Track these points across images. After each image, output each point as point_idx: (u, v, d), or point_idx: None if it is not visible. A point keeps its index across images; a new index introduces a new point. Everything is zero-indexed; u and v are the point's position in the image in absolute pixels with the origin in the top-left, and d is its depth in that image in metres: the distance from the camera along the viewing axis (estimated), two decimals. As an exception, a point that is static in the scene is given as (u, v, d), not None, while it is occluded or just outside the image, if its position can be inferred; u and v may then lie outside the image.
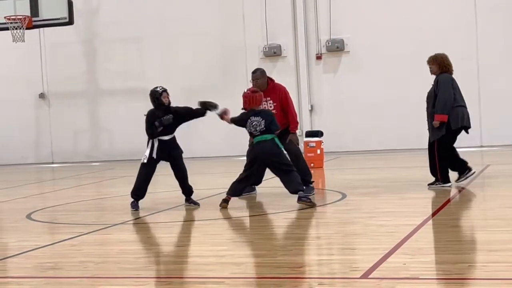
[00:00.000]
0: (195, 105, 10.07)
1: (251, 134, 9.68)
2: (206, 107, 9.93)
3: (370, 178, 12.51)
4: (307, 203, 9.36)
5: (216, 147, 18.22)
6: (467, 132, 10.52)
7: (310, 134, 15.46)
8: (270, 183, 11.06)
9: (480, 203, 9.72)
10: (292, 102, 10.66)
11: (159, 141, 9.85)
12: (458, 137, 10.49)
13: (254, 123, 9.53)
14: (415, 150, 16.19)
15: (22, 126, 20.21)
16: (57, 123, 20.03)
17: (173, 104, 10.00)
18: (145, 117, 9.91)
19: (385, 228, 7.82)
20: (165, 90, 9.92)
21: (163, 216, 9.57)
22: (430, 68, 10.45)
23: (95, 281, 6.20)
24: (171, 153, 9.93)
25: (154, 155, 9.82)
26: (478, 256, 6.37)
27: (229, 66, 18.65)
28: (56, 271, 6.58)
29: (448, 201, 9.42)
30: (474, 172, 10.69)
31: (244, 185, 9.79)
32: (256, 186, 10.89)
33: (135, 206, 9.96)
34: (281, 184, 9.67)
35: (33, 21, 15.19)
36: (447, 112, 10.13)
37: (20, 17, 14.98)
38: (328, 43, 17.91)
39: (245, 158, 10.54)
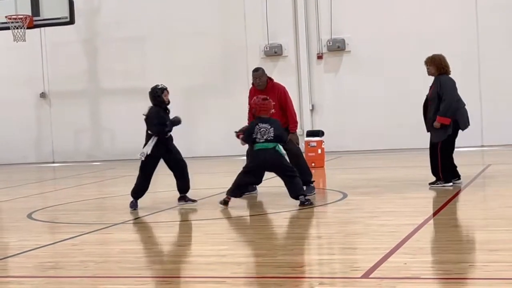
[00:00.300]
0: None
1: (253, 141, 9.59)
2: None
3: (371, 177, 12.50)
4: (309, 206, 9.38)
5: (216, 147, 18.20)
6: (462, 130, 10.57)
7: (311, 133, 15.46)
8: (271, 182, 11.05)
9: (480, 202, 9.72)
10: (291, 102, 10.65)
11: (159, 138, 9.84)
12: (459, 137, 10.52)
13: (262, 130, 9.48)
14: (416, 149, 16.17)
15: (23, 126, 20.21)
16: (58, 122, 20.03)
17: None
18: (145, 116, 9.89)
19: (386, 227, 7.82)
20: (165, 88, 9.93)
21: (163, 215, 9.57)
22: (427, 69, 10.48)
23: (95, 280, 6.20)
24: (168, 148, 9.92)
25: (149, 152, 9.80)
26: (478, 256, 6.37)
27: (230, 65, 18.64)
28: (57, 271, 6.59)
29: (449, 200, 9.41)
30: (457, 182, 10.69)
31: (245, 188, 9.80)
32: (256, 186, 10.89)
33: (133, 205, 9.95)
34: (282, 184, 9.67)
35: (34, 20, 15.18)
36: (450, 114, 10.16)
37: (21, 16, 14.97)
38: (329, 43, 17.90)
39: (245, 157, 10.56)
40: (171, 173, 10.20)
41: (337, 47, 17.88)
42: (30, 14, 15.13)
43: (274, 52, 18.22)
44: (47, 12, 15.40)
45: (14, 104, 20.11)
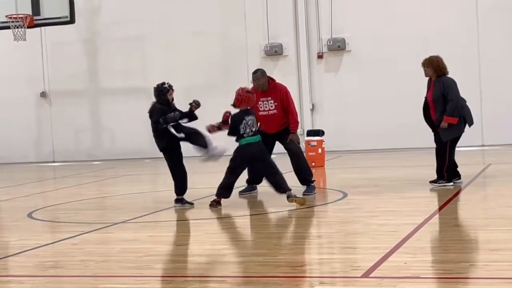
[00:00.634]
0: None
1: (240, 135, 9.56)
2: (191, 108, 9.97)
3: (371, 177, 12.50)
4: (297, 200, 9.37)
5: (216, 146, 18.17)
6: None
7: (312, 133, 15.45)
8: (271, 182, 11.04)
9: (481, 202, 9.71)
10: (293, 102, 10.66)
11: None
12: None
13: (250, 122, 9.53)
14: (416, 149, 16.19)
15: (23, 125, 20.21)
16: (59, 122, 20.03)
17: (174, 103, 10.01)
18: (149, 112, 9.90)
19: (386, 227, 7.82)
20: (171, 87, 9.95)
21: (164, 215, 9.57)
22: (425, 70, 10.52)
23: (96, 279, 6.20)
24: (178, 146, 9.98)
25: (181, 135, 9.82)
26: (479, 255, 6.37)
27: (230, 65, 18.64)
28: (57, 270, 6.59)
29: (450, 200, 9.41)
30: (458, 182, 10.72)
31: (232, 186, 9.77)
32: (256, 185, 10.89)
33: (183, 202, 9.93)
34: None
35: (34, 20, 15.17)
36: (457, 114, 10.25)
37: (22, 16, 14.96)
38: (330, 42, 17.90)
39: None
40: (168, 173, 10.19)
41: (338, 46, 17.87)
42: (30, 13, 15.12)
43: (274, 51, 18.22)
44: (48, 12, 15.40)
45: (15, 103, 20.11)
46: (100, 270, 6.54)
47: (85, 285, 6.10)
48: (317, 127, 17.19)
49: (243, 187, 10.89)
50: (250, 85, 10.89)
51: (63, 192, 12.91)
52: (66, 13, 15.33)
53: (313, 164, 14.11)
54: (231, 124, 9.62)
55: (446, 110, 10.26)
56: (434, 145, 10.62)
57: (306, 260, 6.67)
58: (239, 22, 18.48)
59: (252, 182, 10.85)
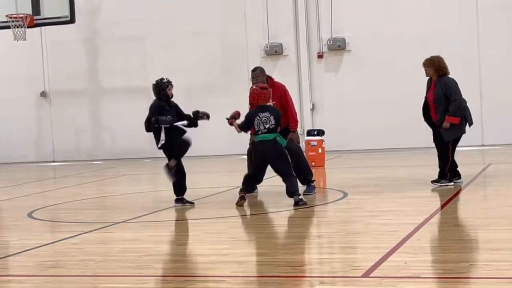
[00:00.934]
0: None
1: (256, 132, 9.60)
2: (198, 116, 9.95)
3: (372, 177, 12.50)
4: (304, 206, 9.36)
5: (216, 146, 18.20)
6: None
7: (312, 132, 15.46)
8: (271, 182, 11.05)
9: (481, 202, 9.71)
10: (291, 101, 10.64)
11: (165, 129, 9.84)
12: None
13: (263, 119, 9.46)
14: (416, 149, 16.18)
15: (23, 125, 20.21)
16: (59, 121, 20.03)
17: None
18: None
19: (387, 227, 7.82)
20: (170, 83, 9.95)
21: (164, 214, 9.57)
22: (426, 70, 10.53)
23: (96, 279, 6.20)
24: (174, 136, 9.94)
25: (163, 140, 9.79)
26: (479, 255, 6.37)
27: (230, 64, 18.64)
28: (57, 270, 6.59)
29: (450, 200, 9.41)
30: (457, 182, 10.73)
31: (251, 180, 9.78)
32: (257, 185, 10.88)
33: (184, 201, 9.91)
34: (282, 183, 9.66)
35: (34, 19, 15.17)
36: (460, 114, 10.28)
37: (22, 15, 14.96)
38: (330, 42, 17.90)
39: (245, 156, 10.56)
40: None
41: (338, 46, 17.87)
42: (30, 13, 15.12)
43: (274, 51, 18.22)
44: (48, 11, 15.39)
45: (15, 103, 20.11)
46: (100, 269, 6.54)
47: (85, 285, 6.10)
48: (317, 126, 17.19)
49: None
50: (250, 84, 10.88)
51: (63, 192, 12.91)
52: (66, 12, 15.33)
53: (313, 163, 14.11)
54: (244, 119, 9.61)
55: (448, 110, 10.27)
56: (434, 145, 10.63)
57: (306, 260, 6.67)
58: (239, 22, 18.48)
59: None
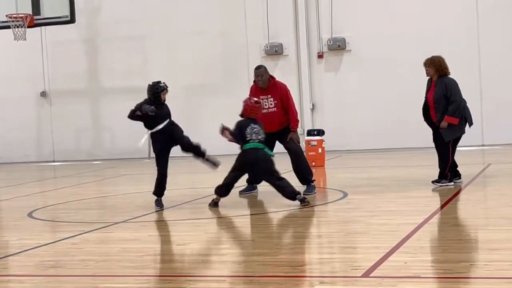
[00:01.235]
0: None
1: (245, 141, 9.55)
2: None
3: (372, 176, 12.50)
4: (307, 204, 9.37)
5: (216, 146, 18.16)
6: None
7: (312, 132, 15.46)
8: (272, 181, 11.04)
9: (481, 202, 9.72)
10: (292, 100, 10.64)
11: (152, 133, 9.83)
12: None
13: (255, 130, 9.54)
14: (416, 149, 16.18)
15: (23, 125, 20.20)
16: (59, 121, 20.03)
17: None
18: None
19: (387, 227, 7.82)
20: (166, 88, 9.94)
21: (164, 214, 9.57)
22: (426, 70, 10.54)
23: (96, 279, 6.20)
24: (173, 135, 9.90)
25: (154, 150, 9.80)
26: (479, 255, 6.37)
27: (230, 64, 18.64)
28: (57, 269, 6.59)
29: (450, 200, 9.41)
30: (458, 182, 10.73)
31: (231, 187, 9.73)
32: (257, 185, 10.89)
33: (159, 204, 9.91)
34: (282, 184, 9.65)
35: (34, 19, 15.16)
36: (458, 114, 10.27)
37: (22, 15, 14.95)
38: (330, 42, 17.90)
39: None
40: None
41: (338, 46, 17.87)
42: (30, 13, 15.12)
43: (274, 51, 18.22)
44: (48, 11, 15.39)
45: (15, 103, 20.11)
46: (100, 269, 6.54)
47: (85, 285, 6.10)
48: (317, 126, 17.19)
49: (243, 187, 10.88)
50: (250, 84, 10.88)
51: (63, 192, 12.91)
52: (67, 12, 15.32)
53: (313, 163, 14.10)
54: (236, 128, 9.62)
55: (447, 110, 10.27)
56: (434, 145, 10.64)
57: (306, 259, 6.67)
58: (239, 22, 18.48)
59: (252, 182, 10.84)
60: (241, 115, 9.72)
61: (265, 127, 10.47)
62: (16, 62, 20.01)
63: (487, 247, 6.53)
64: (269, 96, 10.46)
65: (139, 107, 9.73)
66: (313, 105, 18.20)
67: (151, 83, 9.97)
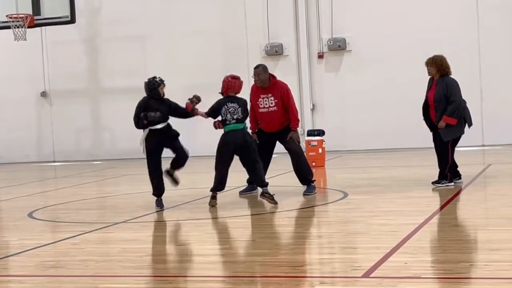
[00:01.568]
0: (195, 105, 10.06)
1: (223, 122, 9.59)
2: (191, 104, 9.94)
3: (372, 177, 12.50)
4: (270, 200, 9.36)
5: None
6: None
7: (312, 133, 15.46)
8: (271, 182, 11.04)
9: (481, 202, 9.72)
10: (293, 100, 10.63)
11: (152, 130, 9.84)
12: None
13: (231, 109, 9.55)
14: (416, 149, 16.18)
15: (24, 125, 20.21)
16: (59, 121, 20.03)
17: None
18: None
19: (387, 227, 7.82)
20: (162, 82, 9.97)
21: (164, 214, 9.57)
22: (428, 69, 10.53)
23: (96, 279, 6.20)
24: (168, 136, 9.91)
25: (147, 147, 9.79)
26: (479, 255, 6.37)
27: (230, 64, 18.59)
28: (57, 270, 6.59)
29: (450, 200, 9.41)
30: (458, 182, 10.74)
31: (222, 176, 9.69)
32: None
33: (159, 204, 9.90)
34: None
35: (35, 19, 15.17)
36: (457, 115, 10.27)
37: (22, 15, 14.95)
38: (330, 42, 17.90)
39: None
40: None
41: (338, 46, 17.87)
42: (31, 13, 15.12)
43: (275, 51, 18.22)
44: (48, 11, 15.39)
45: (15, 103, 20.12)
46: (101, 270, 6.54)
47: (85, 285, 6.10)
48: (317, 127, 17.19)
49: (243, 187, 10.88)
50: (250, 84, 10.88)
51: (64, 192, 12.91)
52: (67, 12, 15.33)
53: (314, 164, 14.10)
54: (212, 106, 9.68)
55: (446, 110, 10.27)
56: (434, 145, 10.64)
57: (306, 260, 6.67)
58: (239, 22, 18.48)
59: (253, 183, 10.83)
60: (221, 93, 9.74)
61: (265, 127, 10.49)
62: (16, 62, 20.02)
63: (487, 248, 6.53)
64: (270, 95, 10.46)
65: (144, 116, 9.74)
66: (313, 105, 18.21)
67: (146, 80, 10.02)
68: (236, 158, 9.82)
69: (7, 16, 14.93)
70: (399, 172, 13.40)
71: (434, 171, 10.73)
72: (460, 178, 10.68)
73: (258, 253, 6.93)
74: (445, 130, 10.30)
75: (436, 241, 7.18)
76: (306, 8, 18.05)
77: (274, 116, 10.44)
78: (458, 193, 9.95)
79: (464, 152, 11.55)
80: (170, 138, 9.91)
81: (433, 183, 10.55)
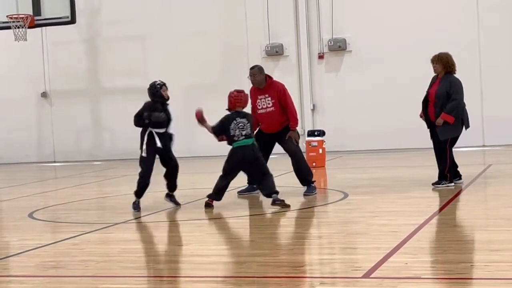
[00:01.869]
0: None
1: (231, 138, 9.48)
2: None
3: (372, 177, 12.50)
4: (281, 205, 9.28)
5: (216, 146, 18.16)
6: None
7: (312, 133, 15.46)
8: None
9: (482, 202, 9.72)
10: (291, 99, 10.62)
11: (152, 133, 9.84)
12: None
13: (240, 124, 9.40)
14: (417, 149, 16.17)
15: (24, 125, 20.22)
16: (59, 121, 20.04)
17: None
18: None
19: (387, 227, 7.82)
20: (164, 84, 9.97)
21: (164, 215, 9.57)
22: (434, 67, 10.51)
23: (96, 279, 6.20)
24: (166, 143, 9.92)
25: (159, 145, 9.78)
26: (480, 256, 6.37)
27: (231, 65, 18.64)
28: (58, 270, 6.59)
29: (450, 200, 9.41)
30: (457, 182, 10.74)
31: (221, 187, 9.64)
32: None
33: (137, 207, 9.89)
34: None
35: (35, 20, 15.17)
36: (456, 114, 10.24)
37: (22, 16, 14.95)
38: (330, 43, 17.90)
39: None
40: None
41: (338, 46, 17.87)
42: (31, 13, 15.12)
43: (275, 51, 18.22)
44: (48, 12, 15.39)
45: (15, 103, 20.13)
46: (101, 270, 6.54)
47: (85, 285, 6.10)
48: (317, 127, 17.19)
49: (243, 187, 10.88)
50: (249, 84, 10.89)
51: (64, 192, 12.91)
52: (67, 13, 15.33)
53: (314, 164, 14.11)
54: (221, 121, 9.55)
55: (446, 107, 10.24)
56: (432, 146, 10.63)
57: (306, 260, 6.67)
58: (239, 22, 18.48)
59: (253, 183, 10.83)
60: (228, 109, 9.66)
61: (265, 128, 10.48)
62: (16, 63, 20.02)
63: (487, 248, 6.53)
64: (267, 95, 10.47)
65: (147, 116, 9.74)
66: (313, 105, 18.21)
67: (149, 86, 10.03)
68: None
69: (7, 16, 14.93)
70: (399, 173, 13.40)
71: (434, 172, 10.73)
72: (460, 179, 10.68)
73: (259, 254, 6.93)
74: (442, 128, 10.27)
75: (437, 242, 7.18)
76: (307, 9, 18.06)
77: (273, 116, 10.44)
78: (458, 194, 9.95)
79: (464, 153, 11.55)
80: (167, 140, 9.92)
81: (433, 184, 10.54)
